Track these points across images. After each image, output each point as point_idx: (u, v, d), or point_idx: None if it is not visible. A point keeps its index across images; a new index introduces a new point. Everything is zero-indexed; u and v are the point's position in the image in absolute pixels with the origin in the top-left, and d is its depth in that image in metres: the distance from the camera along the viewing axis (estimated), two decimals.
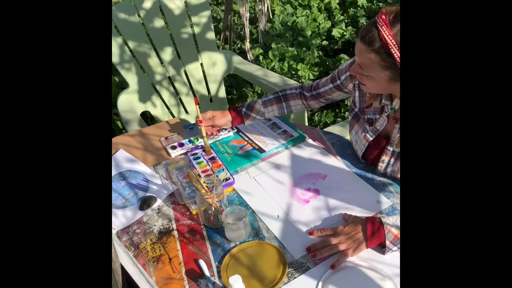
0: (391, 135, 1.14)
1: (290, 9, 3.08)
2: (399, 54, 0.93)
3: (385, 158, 1.16)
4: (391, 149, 1.14)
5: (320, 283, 0.93)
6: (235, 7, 3.00)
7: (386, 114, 1.14)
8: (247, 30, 2.54)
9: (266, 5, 2.59)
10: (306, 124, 1.89)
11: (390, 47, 0.93)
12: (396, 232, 0.96)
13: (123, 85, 2.52)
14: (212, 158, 1.31)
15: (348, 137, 1.42)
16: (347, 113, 2.42)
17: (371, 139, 1.18)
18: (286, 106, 1.38)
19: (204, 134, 1.32)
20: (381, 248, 0.99)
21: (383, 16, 0.94)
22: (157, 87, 2.02)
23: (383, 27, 0.93)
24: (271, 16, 2.83)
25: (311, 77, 2.55)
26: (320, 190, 1.19)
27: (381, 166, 1.18)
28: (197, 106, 1.32)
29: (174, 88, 2.08)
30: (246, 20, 2.50)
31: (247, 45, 2.57)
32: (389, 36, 0.92)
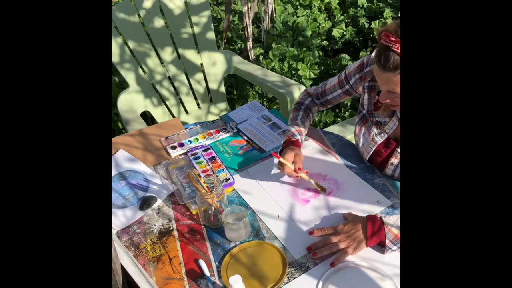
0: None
1: (291, 9, 3.08)
2: None
3: (394, 160, 1.15)
4: None
5: (320, 283, 0.93)
6: (235, 7, 3.00)
7: (398, 117, 1.13)
8: (250, 30, 2.54)
9: (270, 5, 2.59)
10: None
11: None
12: (396, 232, 0.96)
13: (123, 85, 2.52)
14: (212, 158, 1.31)
15: (348, 137, 1.42)
16: (347, 113, 2.42)
17: (380, 142, 1.17)
18: (312, 116, 1.37)
19: (308, 178, 1.17)
20: (381, 247, 0.99)
21: (392, 38, 0.93)
22: (157, 87, 2.03)
23: (399, 47, 0.92)
24: (274, 15, 2.83)
25: (312, 76, 2.55)
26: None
27: (390, 168, 1.17)
28: (282, 159, 1.16)
29: (174, 88, 2.08)
30: (249, 19, 2.50)
31: (250, 44, 2.57)
32: None
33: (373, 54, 1.03)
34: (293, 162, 1.16)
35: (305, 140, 1.38)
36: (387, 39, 0.93)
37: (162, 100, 2.05)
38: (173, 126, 1.51)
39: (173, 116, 2.09)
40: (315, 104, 1.38)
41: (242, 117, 1.54)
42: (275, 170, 1.27)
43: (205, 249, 1.05)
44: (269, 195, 1.19)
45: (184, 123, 1.56)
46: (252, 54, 2.64)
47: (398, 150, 1.14)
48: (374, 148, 1.19)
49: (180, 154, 1.38)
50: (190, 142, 1.42)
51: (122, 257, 1.03)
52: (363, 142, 1.23)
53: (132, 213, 1.17)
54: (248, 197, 1.19)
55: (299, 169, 1.16)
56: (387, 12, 2.86)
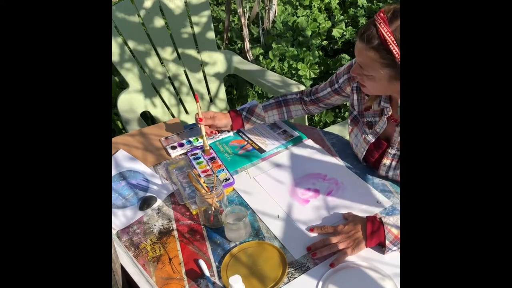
0: (391, 138, 1.14)
1: (291, 9, 3.08)
2: (398, 51, 0.93)
3: (386, 161, 1.16)
4: (392, 152, 1.14)
5: (320, 283, 0.93)
6: (236, 7, 3.00)
7: (386, 116, 1.14)
8: (246, 30, 2.53)
9: (274, 6, 2.59)
10: (306, 124, 1.89)
11: (389, 43, 0.93)
12: (396, 232, 0.96)
13: (123, 85, 2.52)
14: (212, 158, 1.31)
15: (348, 137, 1.42)
16: (347, 113, 2.42)
17: (371, 141, 1.18)
18: (286, 111, 1.38)
19: (204, 133, 1.30)
20: (381, 247, 0.99)
21: (381, 14, 0.94)
22: (157, 87, 2.03)
23: (381, 24, 0.93)
24: (276, 15, 2.83)
25: (312, 75, 2.54)
26: (320, 190, 1.19)
27: (383, 169, 1.17)
28: (198, 103, 1.30)
29: (174, 88, 2.08)
30: (245, 19, 2.50)
31: (247, 45, 2.57)
32: (388, 33, 0.92)
33: None
34: (210, 117, 1.33)
35: (305, 139, 1.38)
36: (378, 14, 0.95)
37: (162, 100, 2.05)
38: (173, 126, 1.51)
39: (173, 116, 2.09)
40: (303, 101, 1.38)
41: None
42: (275, 170, 1.27)
43: (205, 249, 1.05)
44: (269, 195, 1.19)
45: (184, 123, 1.56)
46: (250, 55, 2.64)
47: (389, 151, 1.14)
48: (366, 148, 1.19)
49: (180, 154, 1.38)
50: (190, 142, 1.42)
51: (122, 257, 1.03)
52: (356, 143, 1.24)
53: (132, 213, 1.17)
54: (248, 197, 1.19)
55: (200, 119, 1.30)
56: None
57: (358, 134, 1.22)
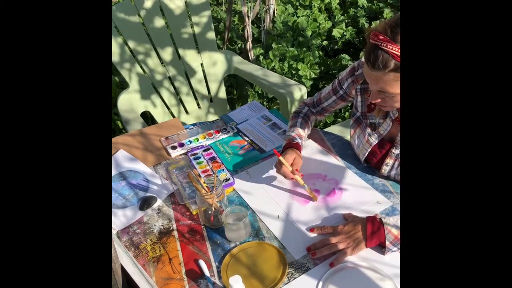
0: (395, 138, 1.14)
1: (291, 9, 3.08)
2: None
3: (389, 161, 1.15)
4: (396, 152, 1.14)
5: (320, 283, 0.93)
6: (236, 7, 3.00)
7: (391, 118, 1.13)
8: (249, 30, 2.53)
9: (272, 5, 2.59)
10: None
11: None
12: (396, 232, 0.96)
13: (123, 85, 2.52)
14: (212, 158, 1.31)
15: (348, 137, 1.42)
16: (347, 113, 2.42)
17: (375, 143, 1.17)
18: (310, 123, 1.35)
19: (303, 182, 1.15)
20: (381, 248, 0.99)
21: (381, 37, 0.92)
22: (157, 87, 2.03)
23: (388, 46, 0.91)
24: (275, 15, 2.83)
25: (312, 75, 2.54)
26: (320, 190, 1.19)
27: (385, 169, 1.17)
28: (282, 158, 1.15)
29: (174, 88, 2.08)
30: (248, 19, 2.50)
31: (249, 44, 2.57)
32: (398, 50, 0.91)
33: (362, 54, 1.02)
34: (291, 164, 1.16)
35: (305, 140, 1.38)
36: (376, 38, 0.92)
37: (162, 100, 2.05)
38: (173, 126, 1.51)
39: (173, 116, 2.09)
40: (313, 113, 1.37)
41: (242, 117, 1.54)
42: (275, 170, 1.27)
43: (205, 249, 1.05)
44: (269, 195, 1.19)
45: (184, 123, 1.56)
46: (251, 55, 2.64)
47: (393, 150, 1.14)
48: (369, 150, 1.19)
49: (180, 154, 1.38)
50: (190, 142, 1.42)
51: (122, 257, 1.03)
52: (358, 144, 1.23)
53: (132, 213, 1.17)
54: (248, 197, 1.19)
55: (296, 170, 1.15)
56: (387, 12, 2.86)
57: (360, 135, 1.22)
